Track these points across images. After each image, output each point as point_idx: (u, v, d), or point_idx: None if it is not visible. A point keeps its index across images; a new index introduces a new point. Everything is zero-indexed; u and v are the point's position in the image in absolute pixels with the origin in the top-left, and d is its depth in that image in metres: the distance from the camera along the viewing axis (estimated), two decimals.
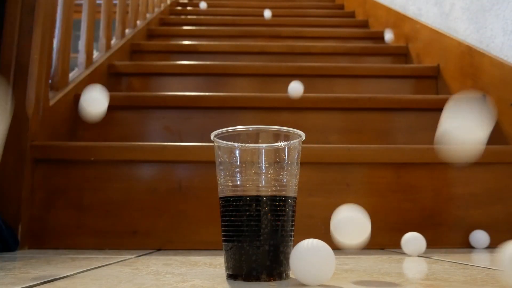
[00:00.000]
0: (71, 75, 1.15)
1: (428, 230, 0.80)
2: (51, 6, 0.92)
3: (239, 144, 0.45)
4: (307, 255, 0.41)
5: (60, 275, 0.47)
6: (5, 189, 0.79)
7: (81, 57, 1.24)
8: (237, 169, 0.44)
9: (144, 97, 1.17)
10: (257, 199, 0.44)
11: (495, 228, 0.83)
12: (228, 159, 0.45)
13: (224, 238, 0.45)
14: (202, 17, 2.36)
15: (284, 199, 0.45)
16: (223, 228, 0.46)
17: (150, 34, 1.97)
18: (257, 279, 0.43)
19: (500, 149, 0.90)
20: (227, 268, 0.45)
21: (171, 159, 0.86)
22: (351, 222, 0.50)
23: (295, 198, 0.47)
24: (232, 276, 0.44)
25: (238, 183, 0.44)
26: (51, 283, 0.43)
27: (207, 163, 0.84)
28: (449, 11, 1.39)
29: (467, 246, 0.83)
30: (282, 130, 0.45)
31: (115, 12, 1.60)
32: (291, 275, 0.46)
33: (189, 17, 2.36)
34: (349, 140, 1.15)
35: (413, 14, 1.68)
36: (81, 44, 1.25)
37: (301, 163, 0.48)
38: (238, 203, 0.44)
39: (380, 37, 1.97)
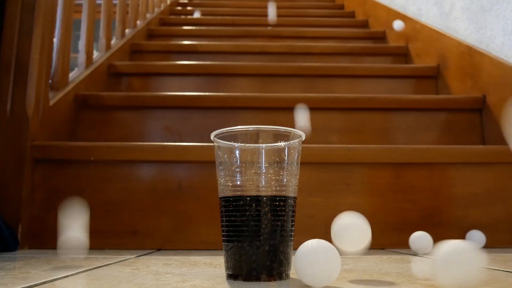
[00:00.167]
0: (71, 75, 1.15)
1: (428, 230, 0.80)
2: (51, 6, 0.92)
3: (239, 144, 0.45)
4: (312, 256, 0.40)
5: (60, 275, 0.47)
6: (5, 189, 0.79)
7: (81, 57, 1.24)
8: (237, 169, 0.44)
9: (144, 97, 1.17)
10: (257, 199, 0.44)
11: (495, 228, 0.83)
12: (228, 159, 0.45)
13: (224, 238, 0.45)
14: (202, 17, 2.36)
15: (284, 199, 0.45)
16: (223, 228, 0.46)
17: (150, 34, 1.97)
18: (257, 279, 0.43)
19: (500, 149, 0.90)
20: (227, 268, 0.45)
21: (171, 159, 0.86)
22: (351, 228, 0.49)
23: (295, 198, 0.47)
24: (232, 276, 0.44)
25: (238, 183, 0.44)
26: (51, 283, 0.43)
27: (207, 163, 0.84)
28: (449, 11, 1.39)
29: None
30: (282, 130, 0.45)
31: (115, 12, 1.60)
32: (292, 276, 0.46)
33: (189, 17, 2.36)
34: (349, 140, 1.15)
35: (413, 14, 1.68)
36: (81, 44, 1.25)
37: (301, 163, 0.48)
38: (238, 203, 0.44)
39: (380, 37, 1.97)
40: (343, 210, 0.84)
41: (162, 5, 2.33)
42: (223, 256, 0.46)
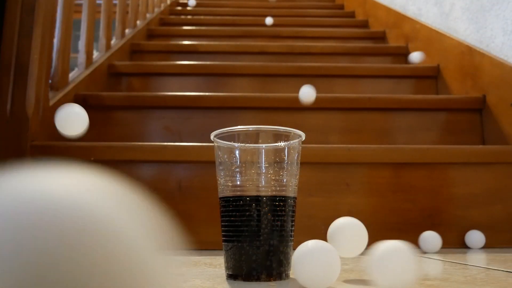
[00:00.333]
0: (71, 75, 1.15)
1: (428, 230, 0.80)
2: (51, 6, 0.92)
3: (239, 144, 0.45)
4: (311, 257, 0.39)
5: None
6: None
7: (81, 57, 1.24)
8: (237, 169, 0.44)
9: (144, 97, 1.17)
10: (257, 199, 0.44)
11: (495, 228, 0.83)
12: (228, 159, 0.45)
13: (224, 238, 0.45)
14: (202, 17, 2.36)
15: (284, 199, 0.45)
16: (223, 228, 0.46)
17: (150, 34, 1.97)
18: (257, 279, 0.43)
19: (500, 149, 0.90)
20: (227, 268, 0.45)
21: (171, 159, 0.86)
22: (348, 233, 0.49)
23: (295, 198, 0.47)
24: (232, 276, 0.44)
25: (238, 183, 0.44)
26: None
27: (207, 163, 0.84)
28: (449, 11, 1.39)
29: (467, 246, 0.83)
30: (282, 130, 0.45)
31: (115, 12, 1.60)
32: (292, 276, 0.46)
33: (189, 17, 2.36)
34: (349, 140, 1.15)
35: (413, 14, 1.68)
36: (81, 44, 1.25)
37: (301, 163, 0.48)
38: (238, 203, 0.44)
39: (380, 37, 1.97)
40: (343, 210, 0.84)
41: (162, 5, 2.33)
42: (223, 256, 0.46)
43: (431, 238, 0.73)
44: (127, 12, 1.75)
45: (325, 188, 0.85)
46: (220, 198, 0.46)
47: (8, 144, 0.81)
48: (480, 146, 1.07)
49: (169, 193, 0.84)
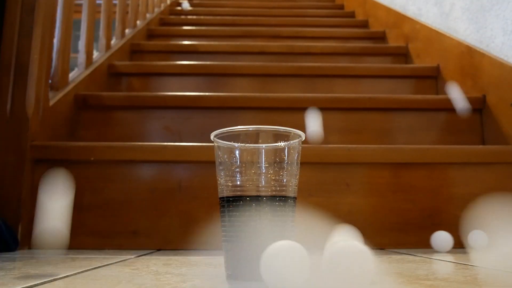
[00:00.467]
0: (71, 75, 1.15)
1: (428, 230, 0.80)
2: (51, 6, 0.92)
3: (239, 144, 0.45)
4: (275, 257, 0.37)
5: (60, 275, 0.47)
6: (5, 189, 0.79)
7: (81, 57, 1.24)
8: (237, 169, 0.44)
9: (144, 97, 1.17)
10: (257, 199, 0.44)
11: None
12: (228, 159, 0.45)
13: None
14: (202, 17, 2.36)
15: (284, 199, 0.45)
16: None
17: (150, 34, 1.97)
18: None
19: (500, 149, 0.90)
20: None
21: (171, 159, 0.86)
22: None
23: (295, 198, 0.47)
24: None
25: (238, 183, 0.44)
26: (51, 283, 0.43)
27: (207, 163, 0.84)
28: (449, 11, 1.39)
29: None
30: (282, 130, 0.45)
31: (115, 12, 1.60)
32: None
33: (189, 17, 2.36)
34: (349, 140, 1.15)
35: (413, 14, 1.68)
36: (81, 44, 1.25)
37: (301, 163, 0.48)
38: (238, 203, 0.44)
39: (380, 37, 1.97)
40: (343, 210, 0.84)
41: (162, 5, 2.33)
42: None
43: (443, 237, 0.75)
44: (127, 12, 1.75)
45: (325, 188, 0.85)
46: (220, 198, 0.46)
47: (8, 144, 0.81)
48: (480, 146, 1.07)
49: (169, 193, 0.84)
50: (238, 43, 1.74)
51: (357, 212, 0.84)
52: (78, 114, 1.12)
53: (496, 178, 0.87)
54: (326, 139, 1.16)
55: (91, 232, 0.82)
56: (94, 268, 0.54)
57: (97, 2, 1.35)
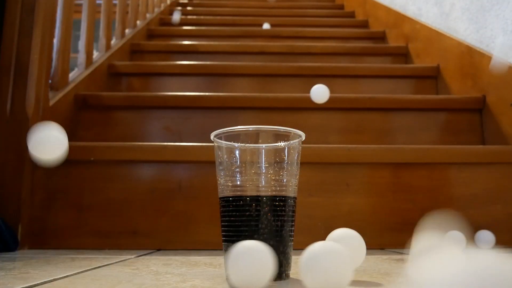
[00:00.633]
0: (71, 75, 1.15)
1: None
2: (51, 6, 0.92)
3: (239, 144, 0.45)
4: (239, 257, 0.36)
5: (60, 275, 0.47)
6: (5, 189, 0.79)
7: (81, 57, 1.24)
8: (237, 169, 0.44)
9: (144, 97, 1.17)
10: (257, 199, 0.44)
11: (495, 229, 0.83)
12: (228, 159, 0.45)
13: (224, 238, 0.45)
14: (202, 17, 2.36)
15: (284, 199, 0.45)
16: (223, 228, 0.46)
17: (150, 34, 1.97)
18: None
19: (500, 149, 0.90)
20: (227, 268, 0.45)
21: (171, 159, 0.86)
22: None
23: (295, 198, 0.47)
24: None
25: (238, 183, 0.44)
26: (51, 283, 0.43)
27: (207, 163, 0.84)
28: (449, 11, 1.39)
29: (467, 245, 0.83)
30: (282, 130, 0.45)
31: (115, 12, 1.60)
32: (292, 276, 0.46)
33: (189, 17, 2.36)
34: (349, 140, 1.15)
35: (413, 14, 1.68)
36: (81, 44, 1.25)
37: (301, 163, 0.48)
38: (238, 203, 0.44)
39: (380, 37, 1.97)
40: (343, 210, 0.84)
41: (162, 5, 2.33)
42: (223, 256, 0.46)
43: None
44: (127, 12, 1.75)
45: (325, 188, 0.85)
46: (220, 198, 0.46)
47: (8, 144, 0.81)
48: (480, 146, 1.07)
49: (169, 193, 0.84)
50: (238, 43, 1.74)
51: (357, 212, 0.84)
52: (78, 114, 1.12)
53: (496, 178, 0.87)
54: (326, 139, 1.16)
55: (91, 232, 0.82)
56: (94, 268, 0.54)
57: (97, 2, 1.35)
